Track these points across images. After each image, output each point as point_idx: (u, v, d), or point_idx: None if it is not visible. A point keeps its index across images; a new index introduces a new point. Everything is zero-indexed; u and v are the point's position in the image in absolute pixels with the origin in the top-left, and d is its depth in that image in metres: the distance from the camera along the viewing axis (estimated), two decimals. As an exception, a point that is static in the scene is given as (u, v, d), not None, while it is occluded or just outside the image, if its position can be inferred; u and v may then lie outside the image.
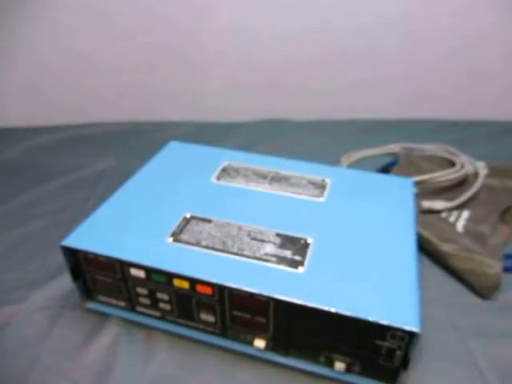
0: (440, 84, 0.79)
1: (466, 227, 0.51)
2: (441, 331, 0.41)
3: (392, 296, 0.33)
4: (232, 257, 0.36)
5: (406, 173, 0.58)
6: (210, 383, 0.37)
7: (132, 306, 0.41)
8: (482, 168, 0.59)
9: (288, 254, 0.36)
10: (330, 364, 0.36)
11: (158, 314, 0.40)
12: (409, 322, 0.31)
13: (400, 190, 0.47)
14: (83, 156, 0.72)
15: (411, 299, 0.33)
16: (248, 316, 0.36)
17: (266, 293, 0.33)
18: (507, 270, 0.46)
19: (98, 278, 0.40)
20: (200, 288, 0.35)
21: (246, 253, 0.37)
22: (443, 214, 0.53)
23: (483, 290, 0.44)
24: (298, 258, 0.36)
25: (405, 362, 0.33)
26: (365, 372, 0.35)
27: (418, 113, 0.80)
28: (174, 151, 0.55)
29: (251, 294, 0.33)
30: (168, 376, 0.37)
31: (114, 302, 0.42)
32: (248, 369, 0.38)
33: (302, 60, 0.78)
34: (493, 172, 0.59)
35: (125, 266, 0.37)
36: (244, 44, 0.77)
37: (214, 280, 0.34)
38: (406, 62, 0.78)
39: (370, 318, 0.31)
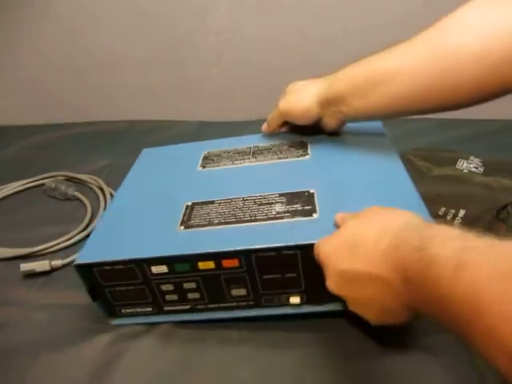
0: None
1: (462, 225, 0.48)
2: (439, 331, 0.39)
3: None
4: (248, 224, 0.37)
5: None
6: (209, 381, 0.37)
7: (159, 307, 0.41)
8: (478, 166, 0.58)
9: (298, 206, 0.38)
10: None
11: (187, 306, 0.40)
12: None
13: (374, 135, 0.50)
14: (81, 154, 0.71)
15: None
16: (278, 276, 0.37)
17: (293, 243, 0.34)
18: None
19: (118, 289, 0.39)
20: (226, 263, 0.36)
21: (259, 217, 0.38)
22: (440, 213, 0.52)
23: None
24: (308, 207, 0.38)
25: None
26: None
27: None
28: (151, 156, 0.54)
29: (279, 250, 0.35)
30: (167, 374, 0.37)
31: (139, 309, 0.41)
32: (248, 367, 0.37)
33: (300, 60, 0.79)
34: (489, 170, 0.58)
35: (145, 266, 0.37)
36: (242, 43, 0.78)
37: (240, 247, 0.35)
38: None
39: None
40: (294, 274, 0.37)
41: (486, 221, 0.50)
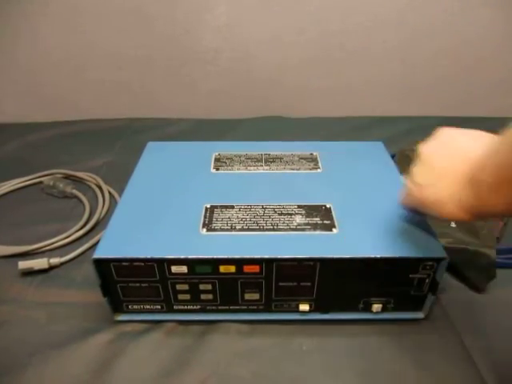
0: (436, 81, 0.82)
1: (459, 222, 0.49)
2: (437, 328, 0.41)
3: (413, 234, 0.39)
4: (270, 233, 0.39)
5: (402, 168, 0.57)
6: (208, 380, 0.37)
7: (169, 305, 0.41)
8: None
9: (317, 220, 0.40)
10: (368, 308, 0.41)
11: (197, 306, 0.41)
12: (436, 252, 0.37)
13: (377, 152, 0.53)
14: (80, 152, 0.70)
15: (429, 234, 0.39)
16: (294, 284, 0.39)
17: (316, 256, 0.36)
18: (499, 265, 0.45)
19: (131, 285, 0.39)
20: (247, 268, 0.37)
21: (280, 227, 0.39)
22: None
23: (479, 281, 0.44)
24: (327, 221, 0.40)
25: (433, 287, 0.39)
26: (398, 306, 0.41)
27: (414, 110, 0.83)
28: (158, 150, 0.54)
29: (301, 261, 0.36)
30: (167, 372, 0.37)
31: (148, 306, 0.41)
32: (246, 366, 0.38)
33: (298, 57, 0.79)
34: None
35: (165, 265, 0.37)
36: (241, 41, 0.77)
37: (265, 256, 0.36)
38: (402, 59, 0.80)
39: (409, 255, 0.36)
40: (309, 283, 0.39)
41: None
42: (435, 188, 0.33)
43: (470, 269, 0.45)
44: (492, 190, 0.28)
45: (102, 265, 0.37)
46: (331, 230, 0.39)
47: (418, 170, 0.35)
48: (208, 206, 0.42)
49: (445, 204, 0.32)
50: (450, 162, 0.32)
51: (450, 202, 0.31)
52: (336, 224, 0.40)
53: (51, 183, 0.59)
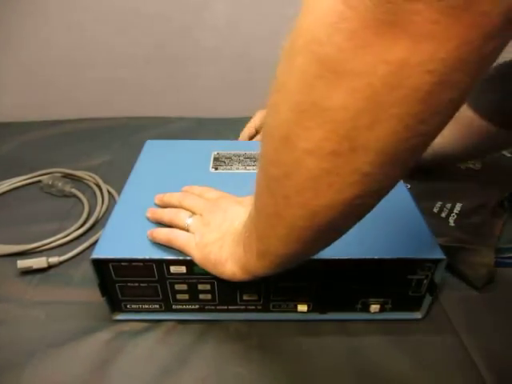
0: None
1: (457, 221, 0.50)
2: (436, 328, 0.41)
3: (412, 235, 0.39)
4: (269, 233, 0.39)
5: None
6: (207, 378, 0.37)
7: (167, 305, 0.41)
8: (475, 162, 0.60)
9: (316, 220, 0.40)
10: (366, 309, 0.41)
11: (196, 306, 0.41)
12: (434, 253, 0.37)
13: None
14: (79, 151, 0.70)
15: (427, 235, 0.39)
16: (292, 284, 0.39)
17: (314, 256, 0.36)
18: (497, 264, 0.45)
19: (130, 285, 0.39)
20: (246, 268, 0.37)
21: (279, 227, 0.39)
22: (435, 210, 0.52)
23: (478, 279, 0.44)
24: (326, 222, 0.40)
25: (431, 288, 0.39)
26: (396, 307, 0.41)
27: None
28: (157, 149, 0.54)
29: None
30: (166, 371, 0.38)
31: (146, 306, 0.41)
32: (244, 364, 0.38)
33: None
34: (486, 166, 0.59)
35: (164, 265, 0.37)
36: (239, 40, 0.77)
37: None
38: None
39: (407, 256, 0.36)
40: (307, 284, 0.39)
41: (482, 214, 0.51)
42: (216, 246, 0.34)
43: (469, 268, 0.45)
44: (246, 243, 0.30)
45: (100, 265, 0.37)
46: (330, 231, 0.39)
47: (199, 229, 0.36)
48: None
49: (225, 262, 0.33)
50: (230, 223, 0.35)
51: (229, 260, 0.33)
52: (335, 224, 0.40)
53: (50, 182, 0.59)
